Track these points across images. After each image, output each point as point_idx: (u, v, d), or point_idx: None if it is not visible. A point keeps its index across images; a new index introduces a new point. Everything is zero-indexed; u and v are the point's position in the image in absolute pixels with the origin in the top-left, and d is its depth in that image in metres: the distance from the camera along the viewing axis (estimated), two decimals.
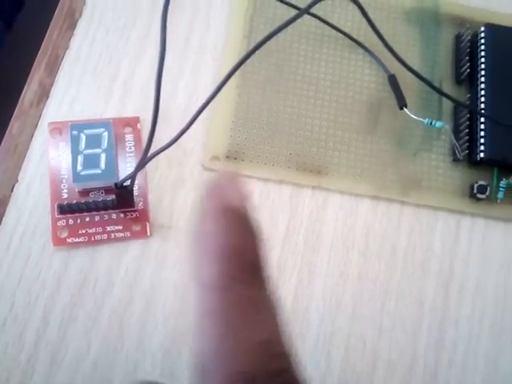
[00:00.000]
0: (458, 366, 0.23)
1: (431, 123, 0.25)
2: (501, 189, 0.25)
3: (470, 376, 0.23)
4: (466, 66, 0.26)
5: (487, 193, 0.25)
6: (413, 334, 0.24)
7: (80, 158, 0.23)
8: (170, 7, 0.17)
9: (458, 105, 0.25)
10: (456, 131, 0.26)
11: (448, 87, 0.27)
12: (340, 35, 0.27)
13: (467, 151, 0.25)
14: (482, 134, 0.25)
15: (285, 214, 0.24)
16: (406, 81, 0.26)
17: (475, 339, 0.24)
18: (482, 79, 0.26)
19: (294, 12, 0.24)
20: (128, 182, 0.21)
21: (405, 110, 0.25)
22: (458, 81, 0.27)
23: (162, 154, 0.24)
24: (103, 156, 0.23)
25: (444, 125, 0.25)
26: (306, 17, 0.26)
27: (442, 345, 0.24)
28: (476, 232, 0.25)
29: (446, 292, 0.24)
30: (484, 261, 0.25)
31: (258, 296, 0.13)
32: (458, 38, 0.27)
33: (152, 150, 0.19)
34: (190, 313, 0.22)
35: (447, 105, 0.26)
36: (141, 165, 0.20)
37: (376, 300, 0.24)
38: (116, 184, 0.21)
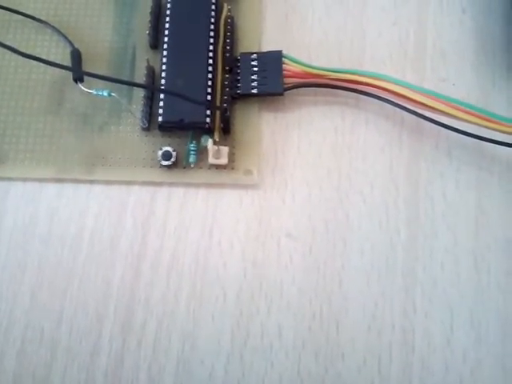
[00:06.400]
0: (148, 347, 0.22)
1: (100, 93, 0.23)
2: (192, 152, 0.24)
3: (162, 356, 0.22)
4: (154, 29, 0.25)
5: (173, 159, 0.23)
6: (96, 318, 0.22)
7: None
8: None
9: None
10: (148, 98, 0.24)
11: (143, 53, 0.25)
12: (28, 19, 0.26)
13: (148, 118, 0.24)
14: (161, 97, 0.24)
15: None
16: (98, 53, 0.25)
17: (169, 316, 0.22)
18: (165, 40, 0.24)
19: None
20: None
21: (79, 84, 0.24)
22: (153, 46, 0.25)
23: None
24: None
25: (110, 92, 0.23)
26: None
27: (130, 326, 0.22)
28: (173, 202, 0.24)
29: (138, 269, 0.23)
30: (181, 232, 0.23)
31: None
32: (155, 1, 0.26)
33: None
34: None
35: (140, 73, 0.25)
36: None
37: (57, 286, 0.23)
38: None
